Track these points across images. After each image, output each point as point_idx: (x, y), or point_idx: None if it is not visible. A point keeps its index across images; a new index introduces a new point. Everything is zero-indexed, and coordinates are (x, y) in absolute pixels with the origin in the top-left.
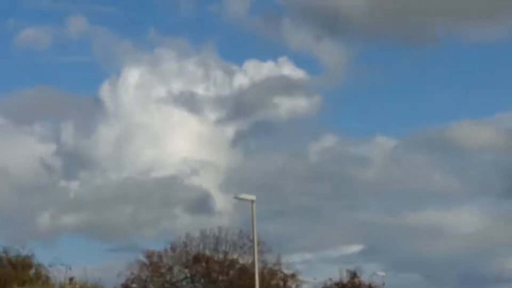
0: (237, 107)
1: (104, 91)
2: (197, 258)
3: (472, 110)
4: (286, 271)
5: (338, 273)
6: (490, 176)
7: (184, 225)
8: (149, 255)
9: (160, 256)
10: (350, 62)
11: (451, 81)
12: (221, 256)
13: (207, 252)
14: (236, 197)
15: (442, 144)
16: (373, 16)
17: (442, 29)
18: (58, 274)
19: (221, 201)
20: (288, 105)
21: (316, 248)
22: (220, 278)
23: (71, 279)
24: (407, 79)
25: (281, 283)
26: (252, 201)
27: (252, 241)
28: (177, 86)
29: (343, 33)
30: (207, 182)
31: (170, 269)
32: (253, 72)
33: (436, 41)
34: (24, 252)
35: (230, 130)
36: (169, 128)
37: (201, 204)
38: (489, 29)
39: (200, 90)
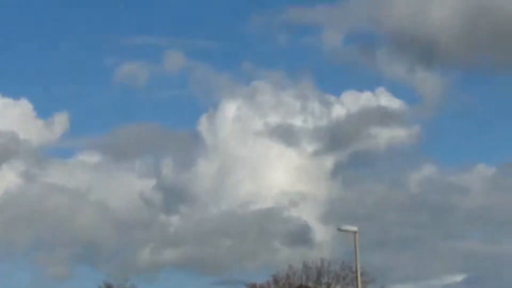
0: (335, 138)
1: (202, 125)
2: None
3: None
4: None
5: None
6: None
7: (284, 257)
8: None
9: None
10: (446, 91)
11: None
12: None
13: (310, 284)
14: (339, 229)
15: None
16: (468, 44)
17: None
18: None
19: (321, 233)
20: (386, 135)
21: (419, 278)
22: None
23: None
24: (505, 106)
25: None
26: (355, 232)
27: (355, 272)
28: (274, 118)
29: (439, 62)
30: (306, 214)
31: None
32: (350, 102)
33: None
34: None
35: (328, 162)
36: (267, 161)
37: (300, 236)
38: None
39: (297, 122)
